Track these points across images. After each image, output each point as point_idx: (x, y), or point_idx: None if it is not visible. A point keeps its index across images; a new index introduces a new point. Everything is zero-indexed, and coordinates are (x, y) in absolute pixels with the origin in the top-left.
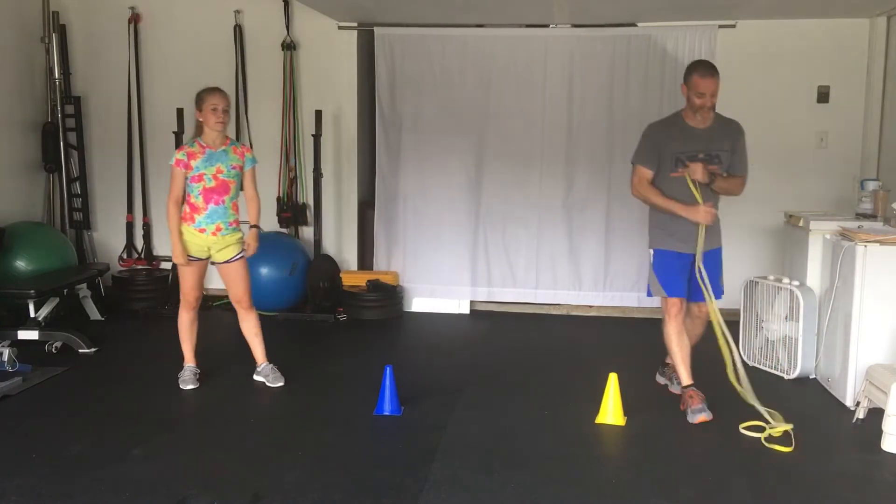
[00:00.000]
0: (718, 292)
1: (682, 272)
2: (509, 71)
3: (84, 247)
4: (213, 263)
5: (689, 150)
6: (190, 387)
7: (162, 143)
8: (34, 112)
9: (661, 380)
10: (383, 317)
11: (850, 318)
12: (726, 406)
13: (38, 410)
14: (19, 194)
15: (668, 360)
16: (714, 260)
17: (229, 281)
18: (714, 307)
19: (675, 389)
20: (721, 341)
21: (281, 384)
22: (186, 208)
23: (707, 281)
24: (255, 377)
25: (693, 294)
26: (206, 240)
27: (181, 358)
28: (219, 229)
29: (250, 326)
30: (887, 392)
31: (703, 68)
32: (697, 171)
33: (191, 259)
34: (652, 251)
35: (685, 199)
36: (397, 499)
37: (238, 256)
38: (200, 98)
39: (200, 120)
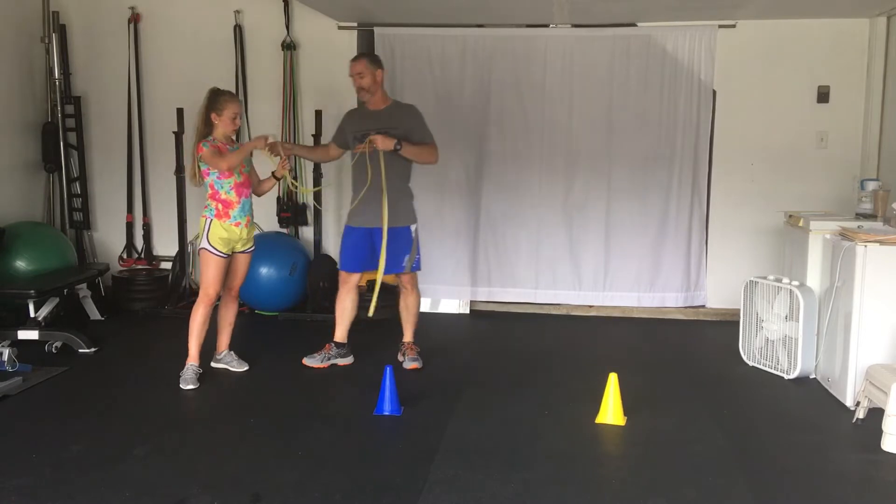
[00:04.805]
0: (398, 266)
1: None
2: (509, 71)
3: (84, 247)
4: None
5: (364, 129)
6: (190, 387)
7: (162, 143)
8: (34, 112)
9: (399, 357)
10: (383, 317)
11: (850, 318)
12: (728, 405)
13: (38, 410)
14: (19, 194)
15: (403, 340)
16: (394, 237)
17: (235, 270)
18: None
19: (407, 365)
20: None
21: (246, 368)
22: (219, 205)
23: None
24: (216, 365)
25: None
26: (240, 233)
27: (182, 356)
28: (248, 221)
29: (229, 314)
30: (887, 392)
31: (353, 57)
32: (379, 141)
33: (220, 254)
34: (415, 227)
35: (361, 174)
36: (397, 499)
37: (250, 249)
38: (220, 102)
39: (215, 122)
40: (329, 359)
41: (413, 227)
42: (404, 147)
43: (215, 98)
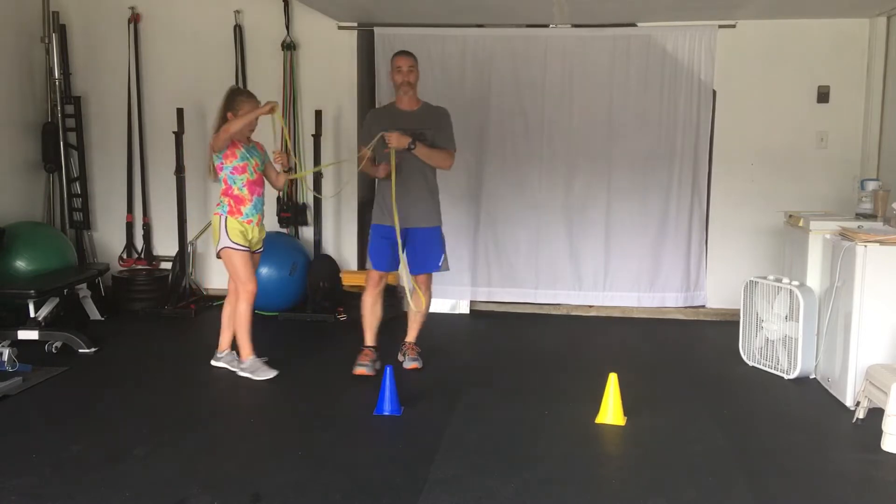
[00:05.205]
0: (434, 266)
1: (384, 247)
2: (509, 71)
3: (84, 247)
4: None
5: (397, 128)
6: (272, 374)
7: (162, 143)
8: (34, 112)
9: (399, 357)
10: (383, 317)
11: (850, 318)
12: (731, 405)
13: (38, 410)
14: (19, 194)
15: (406, 339)
16: (424, 237)
17: None
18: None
19: (406, 364)
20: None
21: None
22: (231, 201)
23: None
24: (215, 363)
25: (413, 267)
26: (253, 231)
27: (182, 355)
28: (260, 220)
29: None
30: (887, 392)
31: (399, 51)
32: (394, 138)
33: (243, 248)
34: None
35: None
36: (397, 499)
37: (260, 250)
38: (237, 102)
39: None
40: (376, 364)
41: (441, 227)
42: (418, 147)
43: (232, 97)
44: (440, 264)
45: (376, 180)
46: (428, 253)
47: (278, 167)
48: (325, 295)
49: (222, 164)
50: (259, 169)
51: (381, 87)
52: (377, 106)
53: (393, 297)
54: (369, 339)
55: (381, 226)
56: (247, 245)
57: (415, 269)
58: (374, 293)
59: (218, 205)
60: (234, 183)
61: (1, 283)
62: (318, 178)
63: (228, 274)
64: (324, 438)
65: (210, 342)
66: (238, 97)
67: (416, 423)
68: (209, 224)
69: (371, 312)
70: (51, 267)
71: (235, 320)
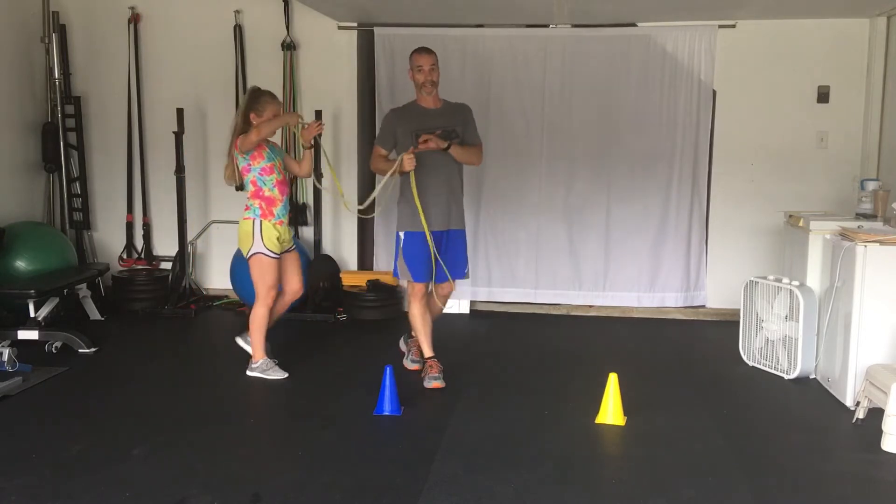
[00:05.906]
0: (461, 272)
1: (427, 255)
2: (509, 71)
3: (84, 247)
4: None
5: (426, 127)
6: (283, 376)
7: (162, 143)
8: (34, 112)
9: (402, 347)
10: (383, 317)
11: (850, 318)
12: (722, 403)
13: (38, 410)
14: (19, 194)
15: (413, 334)
16: (457, 240)
17: (290, 270)
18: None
19: (407, 364)
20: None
21: (246, 371)
22: (262, 203)
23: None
24: (241, 342)
25: (440, 274)
26: (285, 231)
27: (183, 356)
28: (287, 220)
29: (282, 308)
30: (887, 392)
31: (420, 49)
32: (431, 141)
33: (275, 256)
34: (402, 234)
35: (425, 177)
36: (397, 499)
37: (293, 248)
38: (260, 103)
39: (254, 122)
40: (437, 378)
41: None
42: (453, 147)
43: (255, 98)
44: (465, 271)
45: (399, 185)
46: (457, 257)
47: (304, 143)
48: (325, 295)
49: (249, 165)
50: (283, 167)
51: (381, 87)
52: (377, 105)
53: (393, 298)
54: (429, 349)
55: (420, 233)
56: (279, 252)
57: (441, 276)
58: (422, 304)
59: (247, 208)
60: (265, 184)
61: (1, 283)
62: (317, 179)
63: (253, 278)
64: (324, 438)
65: (210, 342)
66: (262, 98)
67: (416, 423)
68: (209, 224)
69: (423, 323)
70: (51, 267)
71: (251, 322)
